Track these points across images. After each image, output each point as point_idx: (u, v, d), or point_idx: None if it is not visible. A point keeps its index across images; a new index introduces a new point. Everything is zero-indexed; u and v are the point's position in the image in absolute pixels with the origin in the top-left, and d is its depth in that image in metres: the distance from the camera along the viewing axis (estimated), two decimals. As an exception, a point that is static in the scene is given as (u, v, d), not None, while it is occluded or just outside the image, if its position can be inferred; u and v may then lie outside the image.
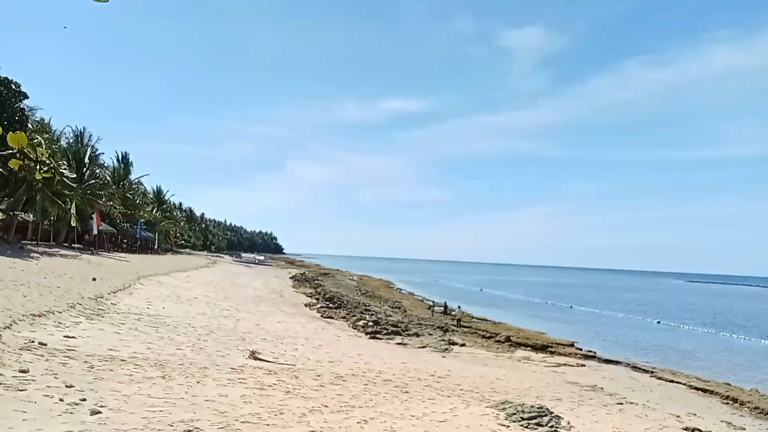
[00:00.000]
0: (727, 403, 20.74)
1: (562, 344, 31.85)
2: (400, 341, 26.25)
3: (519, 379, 19.60)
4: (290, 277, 72.25)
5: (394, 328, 29.51)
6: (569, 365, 25.81)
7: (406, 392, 14.15)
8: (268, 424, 9.18)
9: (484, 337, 32.98)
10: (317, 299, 42.86)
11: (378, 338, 26.31)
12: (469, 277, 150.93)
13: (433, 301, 52.44)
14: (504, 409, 13.43)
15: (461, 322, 39.11)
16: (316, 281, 69.73)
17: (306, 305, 37.92)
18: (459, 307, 42.69)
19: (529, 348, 30.30)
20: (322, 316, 32.61)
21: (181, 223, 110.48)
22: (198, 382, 11.41)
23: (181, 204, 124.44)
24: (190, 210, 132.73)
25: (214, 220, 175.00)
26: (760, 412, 19.54)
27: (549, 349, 30.20)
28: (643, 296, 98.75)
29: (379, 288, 73.06)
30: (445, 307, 46.01)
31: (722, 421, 17.52)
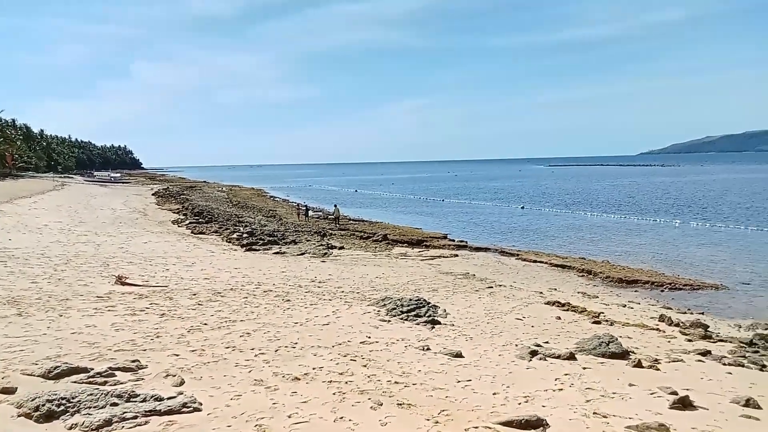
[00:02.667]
0: (583, 276, 23.03)
1: (436, 237, 33.35)
2: (278, 250, 25.91)
3: (397, 276, 20.23)
4: (152, 194, 68.02)
5: (271, 238, 29.04)
6: (443, 257, 27.12)
7: (288, 300, 13.99)
8: (144, 349, 8.64)
9: (362, 238, 33.59)
10: (185, 215, 40.84)
11: (255, 250, 25.76)
12: (343, 179, 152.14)
13: (296, 204, 51.64)
14: (385, 305, 13.76)
15: (339, 221, 39.82)
16: (181, 196, 66.35)
17: (174, 222, 36.06)
18: (336, 206, 42.93)
19: (405, 244, 31.37)
20: (192, 232, 31.21)
21: (18, 143, 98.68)
22: (61, 316, 10.39)
23: (14, 121, 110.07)
24: (27, 127, 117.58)
25: (57, 137, 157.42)
26: (611, 281, 21.93)
27: (424, 243, 31.48)
28: (508, 184, 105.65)
29: (251, 198, 71.36)
30: (306, 209, 46.01)
31: (579, 292, 19.45)
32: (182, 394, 6.69)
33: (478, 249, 29.90)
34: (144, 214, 40.66)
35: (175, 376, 7.46)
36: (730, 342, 13.22)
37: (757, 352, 12.24)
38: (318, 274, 19.05)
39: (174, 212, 44.03)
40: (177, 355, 8.58)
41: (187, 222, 35.75)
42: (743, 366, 10.59)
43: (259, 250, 25.87)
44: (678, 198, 62.14)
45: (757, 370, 10.46)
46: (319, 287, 16.51)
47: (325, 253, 25.77)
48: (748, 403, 8.00)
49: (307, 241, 29.83)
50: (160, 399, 6.37)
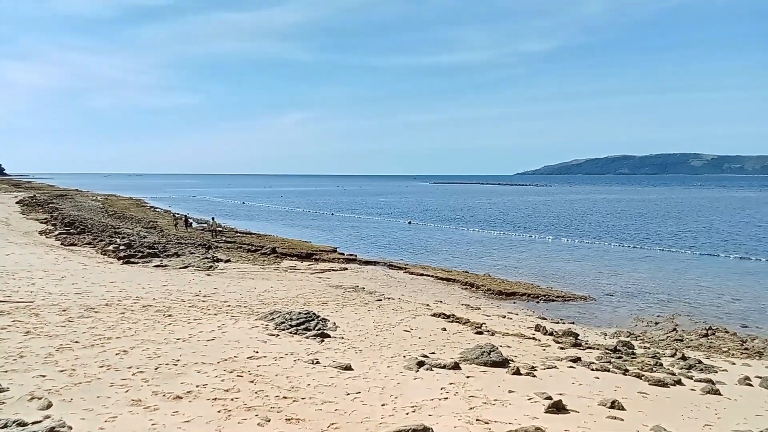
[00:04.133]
0: (466, 288, 23.99)
1: (326, 251, 33.27)
2: (159, 263, 24.58)
3: (286, 289, 19.92)
4: (16, 202, 62.08)
5: (151, 250, 27.49)
6: (333, 270, 27.11)
7: (170, 316, 13.30)
8: (6, 371, 7.84)
9: (249, 251, 32.75)
10: (54, 225, 37.61)
11: (133, 263, 24.25)
12: (229, 190, 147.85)
13: (176, 215, 49.51)
14: (273, 319, 13.49)
15: (216, 234, 38.93)
16: (50, 204, 61.06)
17: (41, 233, 33.10)
18: (213, 218, 41.59)
19: (294, 257, 31.00)
20: (62, 244, 28.80)
21: None
22: None
23: None
24: None
25: None
26: (492, 293, 23.03)
27: (314, 256, 31.29)
28: (395, 199, 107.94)
29: (129, 208, 67.25)
30: (186, 220, 44.41)
31: (463, 304, 20.24)
32: (49, 417, 6.15)
33: (367, 262, 30.22)
34: (7, 224, 36.98)
35: (41, 398, 6.84)
36: (597, 349, 14.33)
37: (620, 357, 13.37)
38: (203, 288, 18.29)
39: (41, 222, 40.36)
40: (44, 376, 7.88)
41: (57, 233, 32.93)
42: (609, 371, 11.53)
43: (138, 263, 24.39)
44: (550, 216, 66.76)
45: (621, 374, 11.43)
46: (203, 301, 15.85)
47: (211, 266, 24.82)
48: (614, 405, 8.73)
49: (191, 253, 28.57)
50: (23, 424, 5.81)
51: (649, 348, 15.15)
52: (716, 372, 12.84)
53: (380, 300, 18.95)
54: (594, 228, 51.79)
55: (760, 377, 12.24)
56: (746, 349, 15.55)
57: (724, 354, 15.04)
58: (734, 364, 13.84)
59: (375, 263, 30.15)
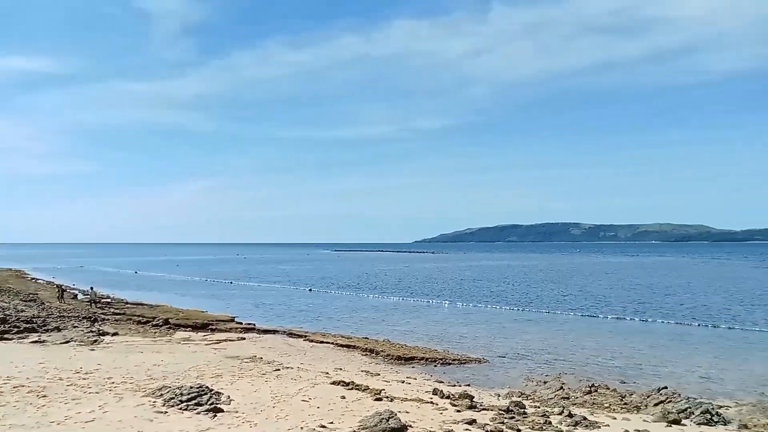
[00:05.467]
0: (366, 354, 23.97)
1: (223, 320, 32.09)
2: (36, 339, 22.58)
3: (178, 362, 18.94)
4: None
5: (29, 325, 25.23)
6: (230, 340, 26.14)
7: (44, 396, 12.23)
8: None
9: (140, 322, 30.89)
10: None
11: (7, 339, 22.11)
12: (122, 260, 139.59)
13: (59, 286, 45.85)
14: (161, 395, 12.78)
15: (97, 304, 36.97)
16: None
17: None
18: (92, 287, 39.22)
19: (189, 328, 29.61)
20: None
21: None
22: None
23: None
24: None
25: None
26: (391, 358, 23.15)
27: (210, 326, 30.05)
28: (296, 267, 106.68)
29: (7, 279, 61.61)
30: (62, 291, 41.48)
31: (362, 371, 20.17)
32: None
33: (266, 331, 29.44)
34: None
35: None
36: (491, 410, 14.76)
37: (513, 417, 13.85)
38: (84, 364, 16.98)
39: None
40: None
41: None
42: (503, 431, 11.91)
43: (12, 339, 22.27)
44: (445, 281, 68.73)
45: (511, 433, 11.84)
46: (84, 379, 14.72)
47: (95, 340, 23.11)
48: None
49: (74, 327, 26.49)
50: None
51: (539, 407, 15.80)
52: (599, 427, 13.61)
53: (278, 370, 18.48)
54: (485, 292, 53.88)
55: (639, 430, 13.15)
56: (626, 404, 16.64)
57: (606, 409, 16.00)
58: (615, 419, 14.74)
59: (274, 332, 29.44)
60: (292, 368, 19.12)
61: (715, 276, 76.38)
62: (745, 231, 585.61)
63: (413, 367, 22.03)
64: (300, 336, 28.09)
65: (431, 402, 15.29)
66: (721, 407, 15.85)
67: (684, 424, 14.27)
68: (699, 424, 14.32)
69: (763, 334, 29.57)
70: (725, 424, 14.47)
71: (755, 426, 14.32)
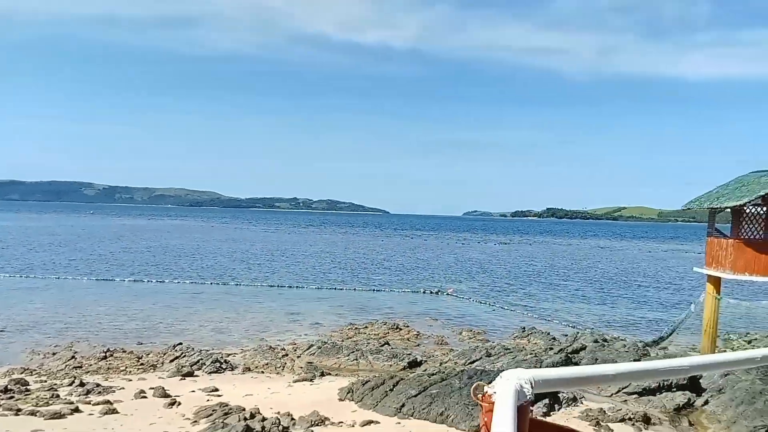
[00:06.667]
0: None
1: None
2: None
3: None
4: None
5: None
6: None
7: None
8: None
9: None
10: None
11: None
12: None
13: None
14: None
15: None
16: None
17: None
18: None
19: None
20: None
21: None
22: None
23: None
24: None
25: None
26: None
27: None
28: None
29: None
30: None
31: None
32: None
33: None
34: None
35: None
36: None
37: (12, 397, 12.01)
38: None
39: None
40: None
41: None
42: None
43: None
44: None
45: (13, 415, 10.29)
46: None
47: None
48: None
49: None
50: None
51: (46, 381, 14.23)
52: (114, 391, 13.24)
53: None
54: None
55: (153, 388, 13.35)
56: (142, 364, 16.65)
57: (122, 373, 15.66)
58: (131, 380, 14.60)
59: None
60: None
61: (223, 238, 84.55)
62: (248, 199, 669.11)
63: None
64: None
65: None
66: (229, 355, 17.68)
67: (197, 375, 15.33)
68: (210, 372, 15.63)
69: (263, 288, 34.34)
70: (232, 369, 16.23)
71: (256, 367, 16.58)
